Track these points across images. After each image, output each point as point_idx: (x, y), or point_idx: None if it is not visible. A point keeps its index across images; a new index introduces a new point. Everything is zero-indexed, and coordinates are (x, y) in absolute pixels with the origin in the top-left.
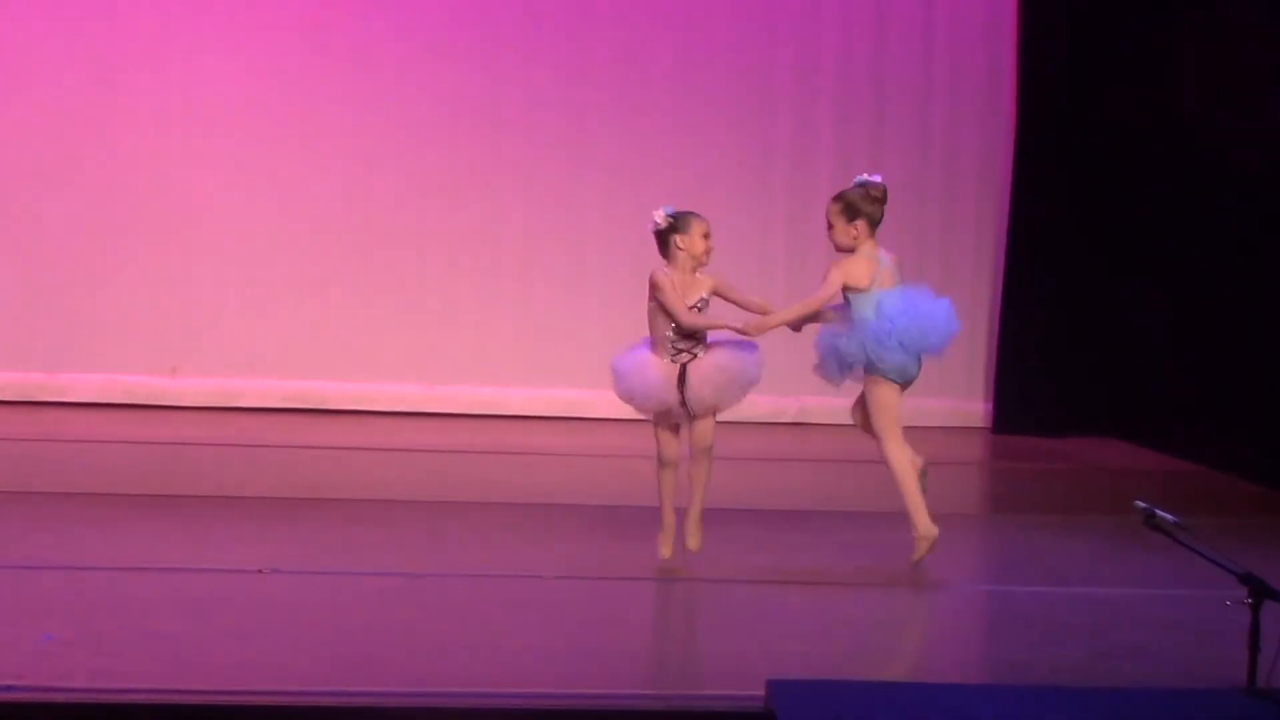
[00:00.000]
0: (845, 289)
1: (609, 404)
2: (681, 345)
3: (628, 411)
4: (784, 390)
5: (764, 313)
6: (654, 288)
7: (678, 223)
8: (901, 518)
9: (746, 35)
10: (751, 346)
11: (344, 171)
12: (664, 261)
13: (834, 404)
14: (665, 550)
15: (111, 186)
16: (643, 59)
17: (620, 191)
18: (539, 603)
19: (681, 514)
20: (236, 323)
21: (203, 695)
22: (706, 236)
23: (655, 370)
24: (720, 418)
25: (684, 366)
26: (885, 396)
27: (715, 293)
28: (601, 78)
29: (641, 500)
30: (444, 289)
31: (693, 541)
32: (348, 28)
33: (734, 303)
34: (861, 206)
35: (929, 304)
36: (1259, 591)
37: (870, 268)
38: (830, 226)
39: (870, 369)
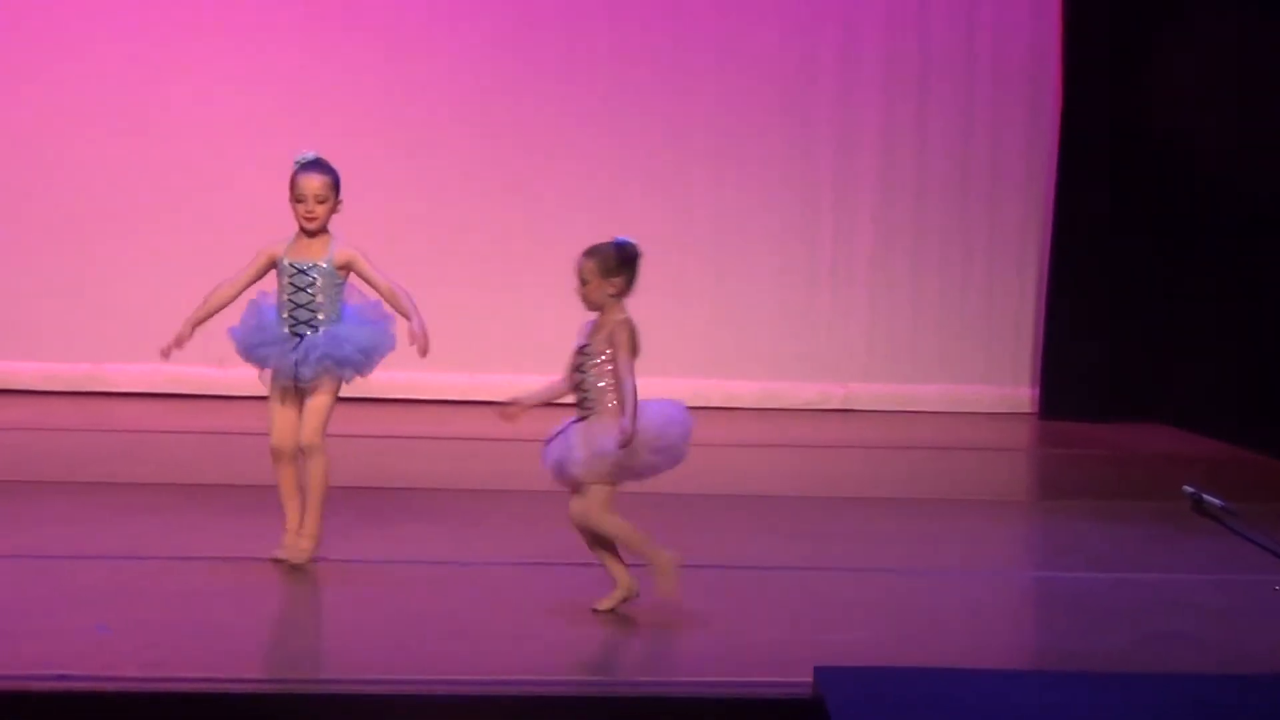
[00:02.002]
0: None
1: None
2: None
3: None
4: (830, 377)
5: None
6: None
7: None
8: (946, 505)
9: (790, 26)
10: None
11: (388, 160)
12: (615, 305)
13: (880, 390)
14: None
15: (157, 177)
16: (686, 57)
17: (664, 182)
18: (587, 590)
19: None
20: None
21: (255, 684)
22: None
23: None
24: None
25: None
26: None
27: None
28: (644, 67)
29: (689, 489)
30: (491, 278)
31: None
32: (389, 17)
33: None
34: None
35: None
36: None
37: None
38: (322, 201)
39: None
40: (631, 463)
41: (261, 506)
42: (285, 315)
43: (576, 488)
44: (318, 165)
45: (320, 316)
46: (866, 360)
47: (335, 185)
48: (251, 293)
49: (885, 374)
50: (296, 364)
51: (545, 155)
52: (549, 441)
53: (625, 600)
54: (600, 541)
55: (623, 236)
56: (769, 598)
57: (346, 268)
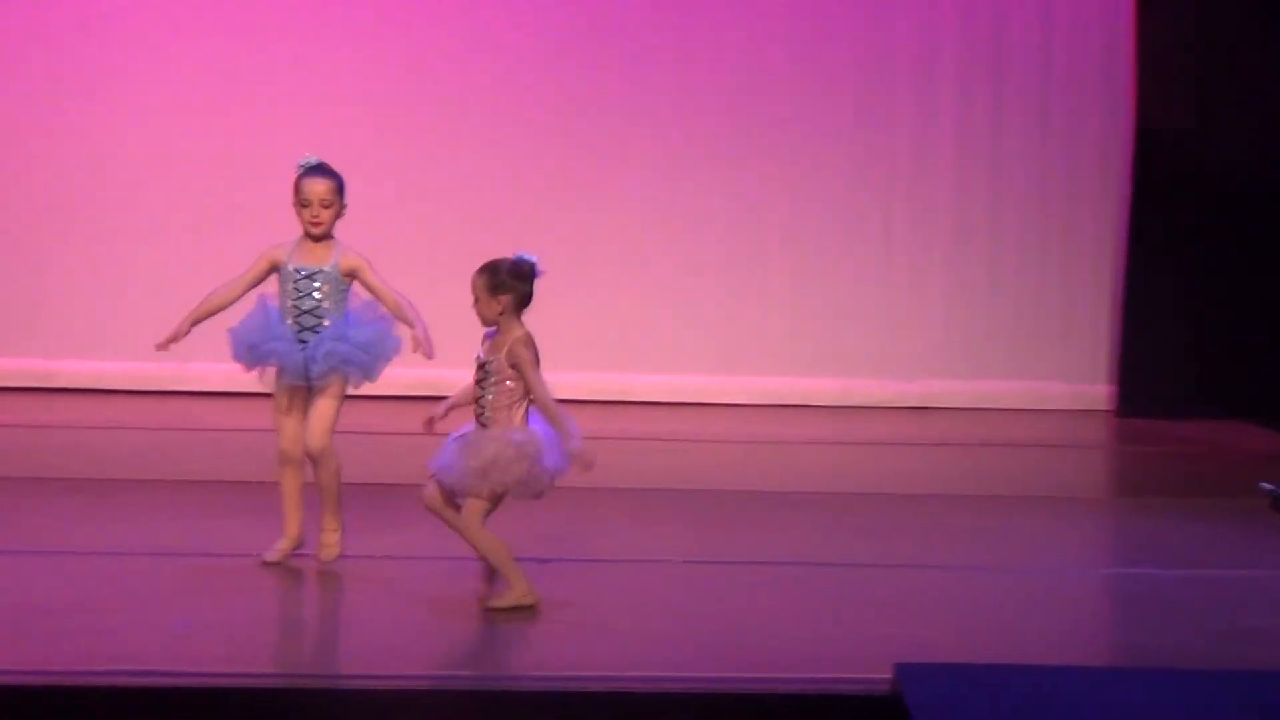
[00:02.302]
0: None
1: (734, 390)
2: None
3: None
4: (907, 375)
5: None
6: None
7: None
8: (1023, 502)
9: (865, 26)
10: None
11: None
12: (512, 320)
13: (957, 388)
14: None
15: (232, 175)
16: (759, 58)
17: (741, 183)
18: (661, 586)
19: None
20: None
21: (352, 680)
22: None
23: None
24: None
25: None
26: None
27: None
28: (717, 68)
29: (768, 486)
30: (568, 275)
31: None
32: (452, 14)
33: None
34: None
35: None
36: None
37: None
38: (328, 206)
39: None
40: (504, 478)
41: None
42: (290, 320)
43: (454, 495)
44: (322, 170)
45: (325, 322)
46: (943, 358)
47: (340, 190)
48: (252, 296)
49: (962, 371)
50: (306, 362)
51: (618, 157)
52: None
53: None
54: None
55: (523, 254)
56: (848, 594)
57: (351, 274)
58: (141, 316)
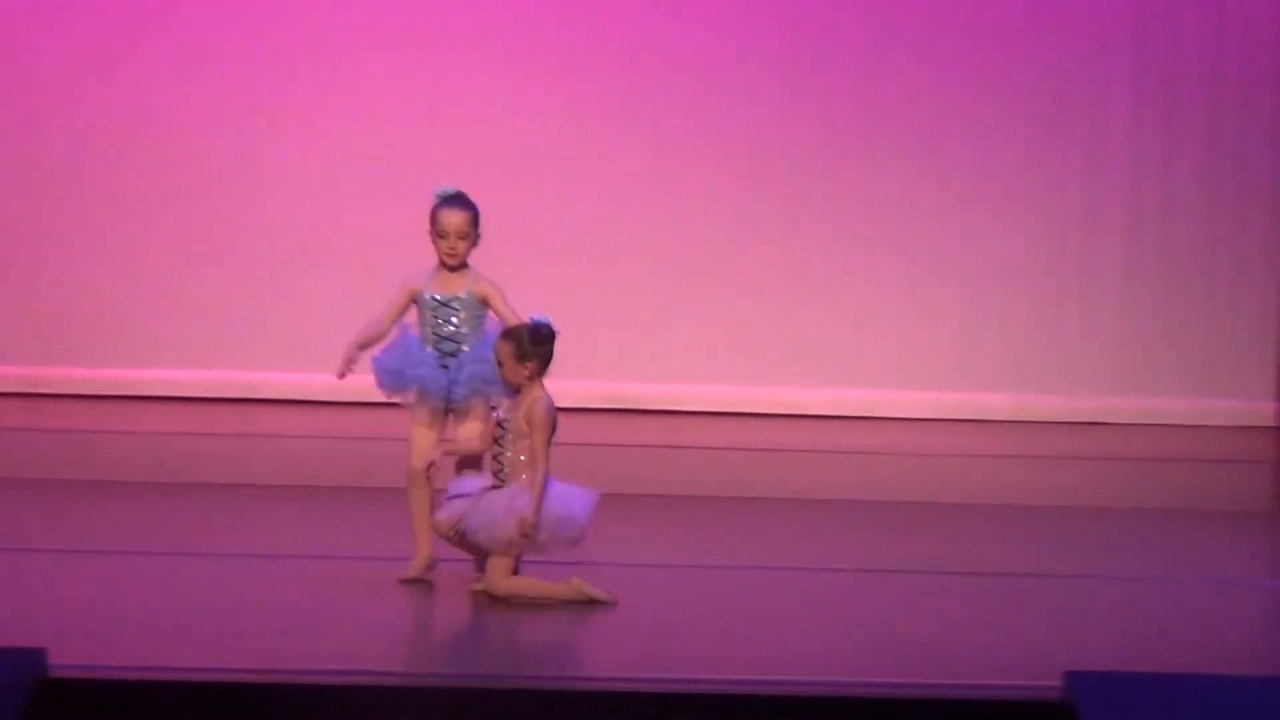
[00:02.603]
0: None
1: (909, 404)
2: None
3: (929, 410)
4: (1080, 390)
5: None
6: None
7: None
8: (1189, 516)
9: (1036, 38)
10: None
11: (658, 174)
12: (534, 383)
13: (1128, 404)
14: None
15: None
16: (935, 68)
17: (917, 197)
18: (838, 594)
19: None
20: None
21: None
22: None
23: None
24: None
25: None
26: None
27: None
28: (895, 85)
29: (941, 498)
30: (752, 291)
31: None
32: (629, 23)
33: None
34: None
35: None
36: None
37: None
38: (464, 237)
39: None
40: (529, 540)
41: None
42: (430, 346)
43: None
44: (460, 200)
45: (464, 346)
46: (1114, 374)
47: (476, 220)
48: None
49: (1133, 387)
50: (450, 385)
51: (809, 176)
52: (453, 496)
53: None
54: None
55: (539, 317)
56: (1017, 603)
57: (484, 301)
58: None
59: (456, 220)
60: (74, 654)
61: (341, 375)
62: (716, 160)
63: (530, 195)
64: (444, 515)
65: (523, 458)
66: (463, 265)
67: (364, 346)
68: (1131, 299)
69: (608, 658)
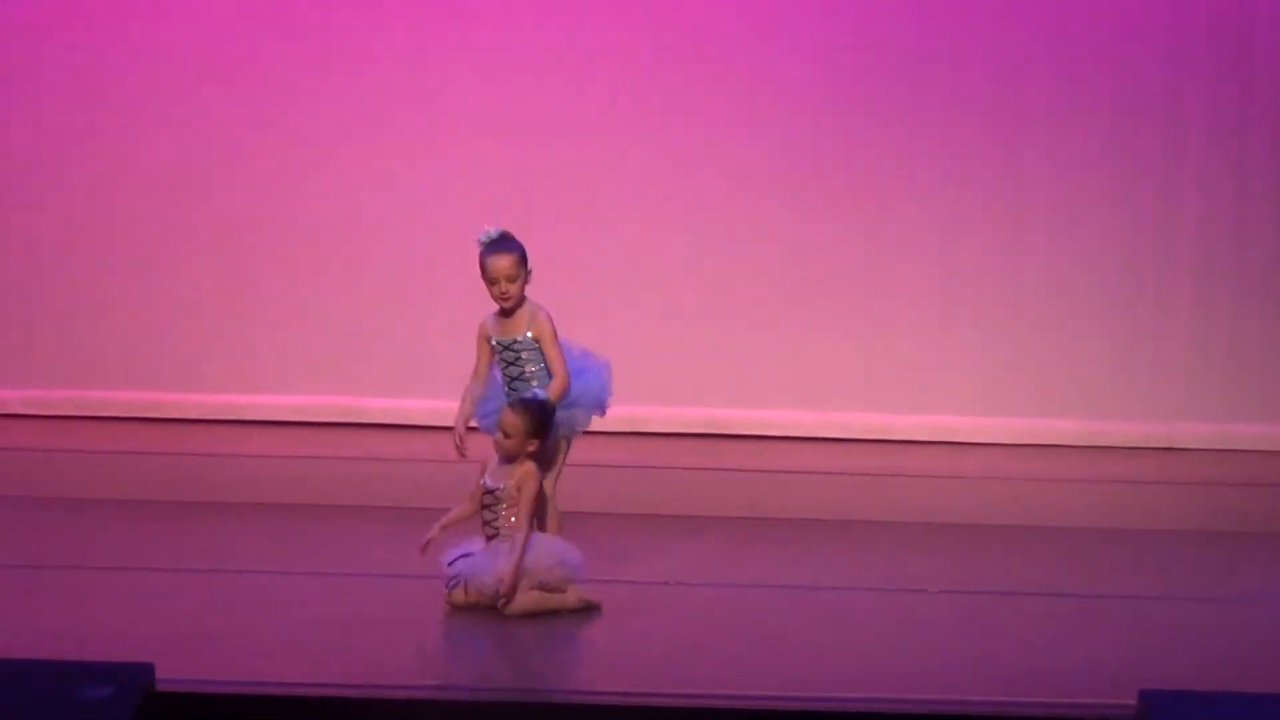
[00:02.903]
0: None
1: (985, 429)
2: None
3: (1003, 435)
4: (1153, 415)
5: None
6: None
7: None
8: (1265, 539)
9: (1115, 62)
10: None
11: (744, 202)
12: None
13: (1201, 429)
14: None
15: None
16: (1015, 99)
17: (996, 223)
18: (920, 615)
19: None
20: (642, 355)
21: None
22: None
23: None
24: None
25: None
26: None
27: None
28: (974, 107)
29: (1011, 520)
30: (836, 318)
31: None
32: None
33: None
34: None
35: None
36: None
37: None
38: (514, 280)
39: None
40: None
41: (619, 532)
42: (506, 388)
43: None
44: (503, 243)
45: (534, 383)
46: (1187, 399)
47: (523, 259)
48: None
49: (1204, 413)
50: None
51: (891, 204)
52: (453, 561)
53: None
54: None
55: (538, 391)
56: (1091, 623)
57: (538, 341)
58: (313, 349)
59: (503, 264)
60: (179, 668)
61: (461, 450)
62: (801, 188)
63: (617, 224)
64: (457, 590)
65: (512, 519)
66: (519, 305)
67: (470, 416)
68: (1202, 325)
69: (688, 674)
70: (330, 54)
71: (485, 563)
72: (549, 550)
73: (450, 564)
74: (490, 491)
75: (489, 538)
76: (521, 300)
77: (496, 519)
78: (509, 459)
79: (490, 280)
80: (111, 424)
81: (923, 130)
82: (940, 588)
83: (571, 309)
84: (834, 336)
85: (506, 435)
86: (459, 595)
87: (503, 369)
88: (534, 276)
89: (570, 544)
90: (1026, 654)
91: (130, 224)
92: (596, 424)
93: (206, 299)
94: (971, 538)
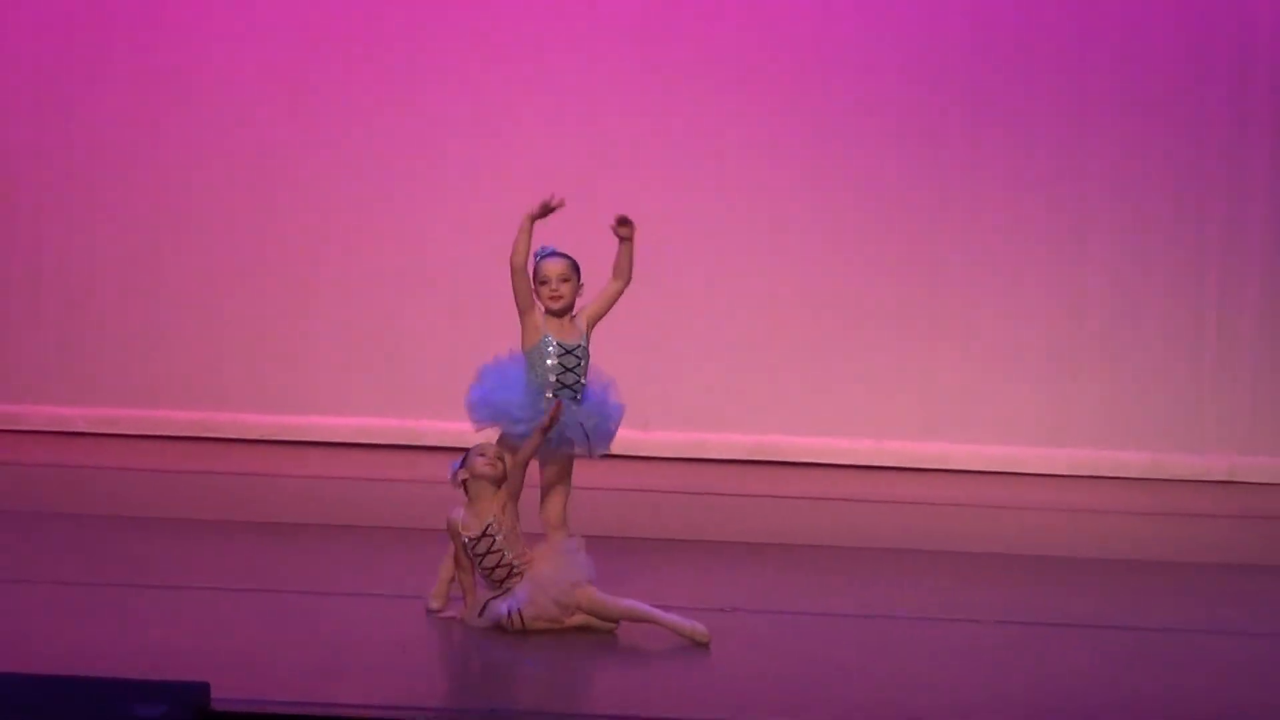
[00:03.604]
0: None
1: (1049, 460)
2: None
3: (1068, 466)
4: (1214, 448)
5: None
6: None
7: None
8: None
9: (1178, 84)
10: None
11: (808, 234)
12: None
13: (1264, 463)
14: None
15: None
16: (1083, 131)
17: (1058, 255)
18: (978, 645)
19: None
20: (700, 381)
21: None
22: (483, 454)
23: None
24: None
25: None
26: None
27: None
28: (1044, 144)
29: (1074, 552)
30: (898, 348)
31: None
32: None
33: None
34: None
35: None
36: None
37: None
38: (565, 280)
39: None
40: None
41: (678, 560)
42: (551, 391)
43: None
44: (559, 253)
45: (577, 394)
46: (1250, 432)
47: (577, 269)
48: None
49: (1269, 446)
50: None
51: (954, 237)
52: (483, 613)
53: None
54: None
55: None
56: (1149, 657)
57: (593, 321)
58: (369, 373)
59: (558, 266)
60: (235, 687)
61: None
62: (862, 219)
63: (675, 253)
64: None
65: (506, 557)
66: (568, 311)
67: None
68: (1267, 359)
69: (746, 700)
70: (394, 81)
71: (531, 590)
72: (554, 554)
73: (485, 610)
74: (480, 539)
75: (500, 581)
76: (571, 307)
77: (503, 555)
78: (476, 498)
79: (542, 280)
80: (172, 443)
81: (984, 162)
82: (997, 618)
83: (627, 336)
84: (893, 365)
85: (472, 493)
86: (516, 623)
87: (558, 374)
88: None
89: (569, 547)
90: (1084, 687)
91: (192, 246)
92: (654, 449)
93: (267, 320)
94: (1029, 568)
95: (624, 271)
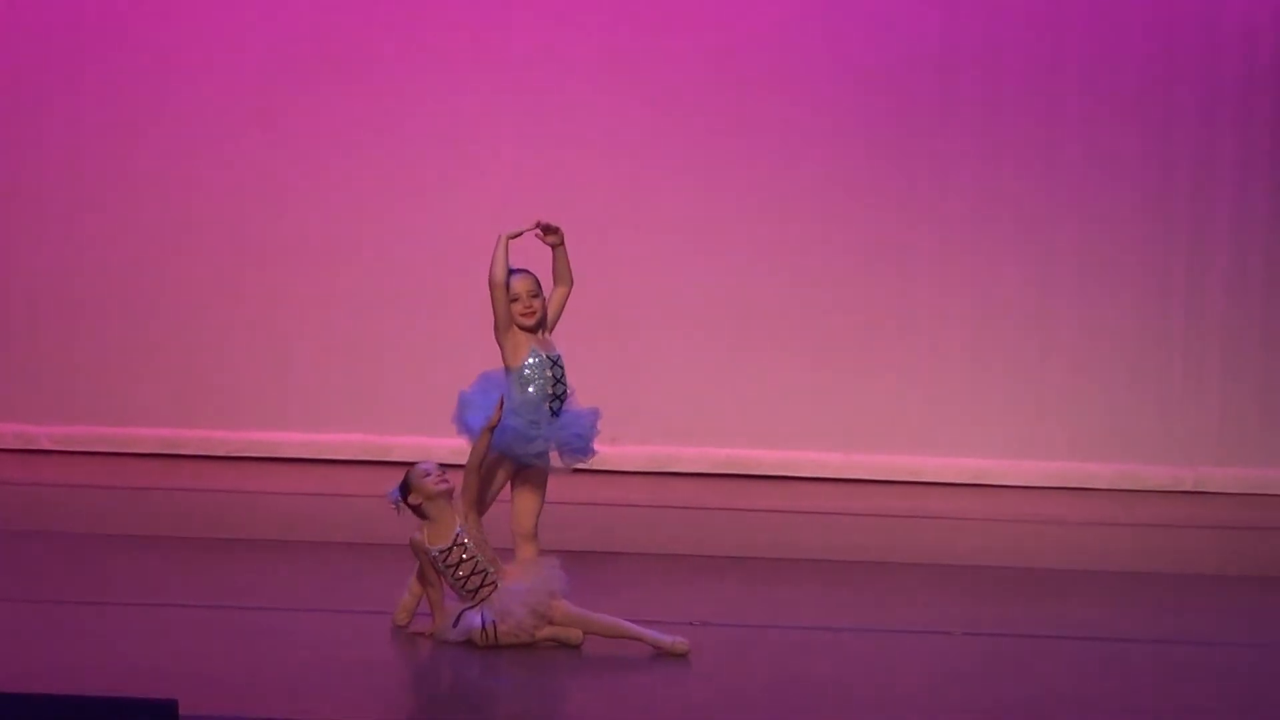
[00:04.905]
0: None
1: (1016, 472)
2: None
3: (1036, 478)
4: (1182, 460)
5: None
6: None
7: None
8: None
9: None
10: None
11: (775, 246)
12: (444, 506)
13: (1231, 474)
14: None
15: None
16: (1050, 150)
17: (1028, 265)
18: (945, 657)
19: None
20: (669, 395)
21: None
22: (426, 475)
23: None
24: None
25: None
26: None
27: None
28: (1003, 153)
29: (1041, 564)
30: (866, 362)
31: None
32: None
33: None
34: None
35: None
36: None
37: None
38: (536, 295)
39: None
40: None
41: (647, 574)
42: (548, 405)
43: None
44: (519, 269)
45: (564, 403)
46: (1218, 443)
47: (539, 282)
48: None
49: (1236, 457)
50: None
51: (919, 251)
52: (457, 624)
53: None
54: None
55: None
56: (1118, 667)
57: (556, 317)
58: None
59: (528, 283)
60: (203, 704)
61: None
62: (831, 230)
63: (643, 265)
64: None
65: (475, 564)
66: (541, 325)
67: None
68: (1234, 370)
69: (712, 714)
70: (366, 99)
71: (506, 601)
72: (529, 565)
73: (459, 621)
74: (450, 549)
75: (474, 591)
76: (544, 322)
77: (476, 561)
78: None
79: (513, 298)
80: (140, 460)
81: (952, 176)
82: (967, 630)
83: (597, 349)
84: (863, 378)
85: (426, 502)
86: (489, 637)
87: (551, 385)
88: (560, 317)
89: (544, 560)
90: (1054, 698)
91: (161, 263)
92: (623, 463)
93: (236, 337)
94: (999, 580)
95: (565, 277)
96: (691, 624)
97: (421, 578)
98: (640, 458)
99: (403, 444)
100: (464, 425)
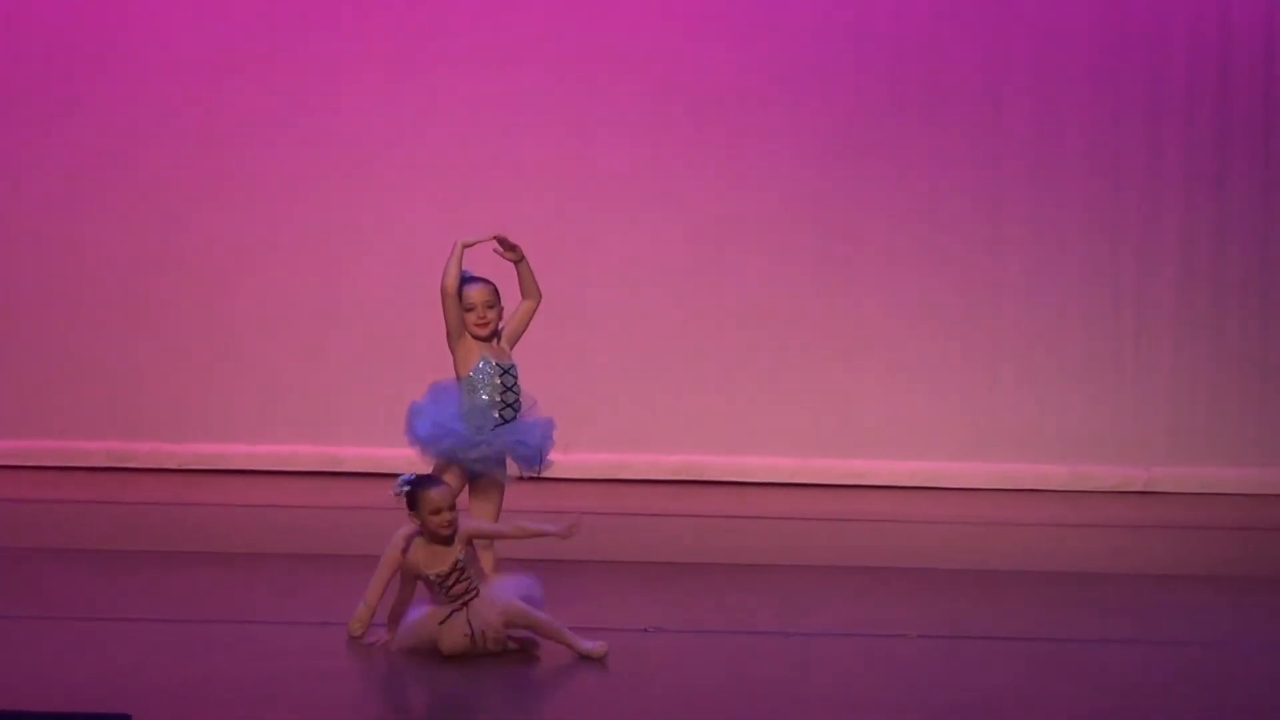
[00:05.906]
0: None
1: (968, 475)
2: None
3: (988, 480)
4: (1133, 460)
5: None
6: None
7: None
8: (1251, 584)
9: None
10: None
11: (726, 250)
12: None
13: (1182, 473)
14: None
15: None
16: (996, 143)
17: (976, 267)
18: (901, 660)
19: None
20: (621, 402)
21: None
22: (437, 512)
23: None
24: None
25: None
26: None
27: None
28: (956, 143)
29: (994, 565)
30: (818, 366)
31: None
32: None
33: None
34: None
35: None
36: None
37: None
38: (491, 306)
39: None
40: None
41: (598, 581)
42: (498, 413)
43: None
44: (480, 278)
45: (516, 413)
46: (1169, 443)
47: (498, 293)
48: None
49: (1188, 457)
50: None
51: (873, 252)
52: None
53: None
54: None
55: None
56: (1066, 668)
57: (513, 339)
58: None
59: (484, 293)
60: (157, 718)
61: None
62: (780, 236)
63: (597, 271)
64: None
65: (465, 578)
66: (495, 335)
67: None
68: (1184, 371)
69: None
70: (311, 109)
71: (486, 613)
72: (508, 587)
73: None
74: (449, 574)
75: (459, 597)
76: (498, 332)
77: (471, 581)
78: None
79: (468, 308)
80: (87, 474)
81: (903, 179)
82: (920, 632)
83: (550, 355)
84: (814, 383)
85: (435, 514)
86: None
87: (500, 394)
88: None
89: (520, 577)
90: (1008, 699)
91: (106, 273)
92: (576, 471)
93: (183, 349)
94: (951, 582)
95: (532, 290)
96: (645, 630)
97: (382, 584)
98: (591, 465)
99: (352, 454)
100: (414, 435)
